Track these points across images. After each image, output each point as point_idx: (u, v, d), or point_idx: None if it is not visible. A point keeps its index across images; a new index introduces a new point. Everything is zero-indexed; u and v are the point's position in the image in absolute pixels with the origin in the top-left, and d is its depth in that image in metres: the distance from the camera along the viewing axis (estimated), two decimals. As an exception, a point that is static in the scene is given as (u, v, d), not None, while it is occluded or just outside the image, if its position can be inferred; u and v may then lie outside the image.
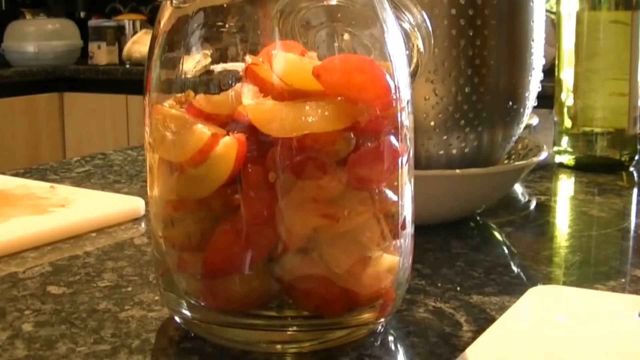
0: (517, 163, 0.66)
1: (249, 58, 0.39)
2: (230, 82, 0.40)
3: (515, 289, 0.49)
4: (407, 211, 0.42)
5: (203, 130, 0.38)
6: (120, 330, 0.43)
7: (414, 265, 0.46)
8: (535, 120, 1.05)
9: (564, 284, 0.51)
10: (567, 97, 0.86)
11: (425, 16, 0.44)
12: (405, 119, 0.40)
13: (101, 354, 0.40)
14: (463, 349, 0.40)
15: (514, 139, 0.67)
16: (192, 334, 0.42)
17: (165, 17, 0.41)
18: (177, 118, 0.39)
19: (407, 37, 0.43)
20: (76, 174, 0.85)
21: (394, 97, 0.39)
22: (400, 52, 0.41)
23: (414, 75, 0.44)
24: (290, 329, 0.39)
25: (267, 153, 0.37)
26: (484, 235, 0.63)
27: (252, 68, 0.38)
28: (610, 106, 0.84)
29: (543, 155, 0.65)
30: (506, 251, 0.60)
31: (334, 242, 0.38)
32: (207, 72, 0.40)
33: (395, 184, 0.40)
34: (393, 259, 0.41)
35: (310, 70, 0.37)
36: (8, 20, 3.15)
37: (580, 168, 0.85)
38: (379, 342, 0.41)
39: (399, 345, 0.42)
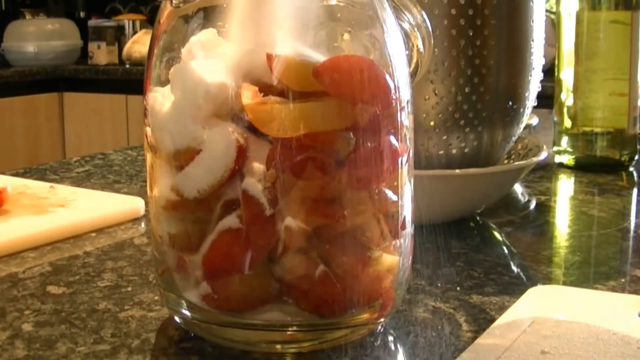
0: (517, 163, 0.66)
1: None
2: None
3: (515, 289, 0.49)
4: (407, 211, 0.42)
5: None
6: (120, 330, 0.43)
7: (414, 265, 0.46)
8: (535, 120, 1.05)
9: (564, 284, 0.51)
10: (567, 97, 0.86)
11: (425, 16, 0.44)
12: (405, 119, 0.40)
13: (101, 354, 0.40)
14: (463, 349, 0.40)
15: (513, 139, 0.67)
16: (192, 334, 0.42)
17: (165, 17, 0.41)
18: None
19: (407, 37, 0.43)
20: (76, 174, 0.85)
21: (394, 97, 0.39)
22: (400, 52, 0.41)
23: (414, 75, 0.44)
24: (290, 329, 0.39)
25: (267, 153, 0.37)
26: (484, 235, 0.63)
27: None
28: (610, 106, 0.84)
29: (543, 155, 0.65)
30: (506, 251, 0.60)
31: (334, 242, 0.38)
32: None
33: (395, 184, 0.40)
34: (393, 259, 0.41)
35: (310, 70, 0.37)
36: (8, 20, 3.15)
37: (580, 168, 0.85)
38: (379, 342, 0.41)
39: (399, 345, 0.42)
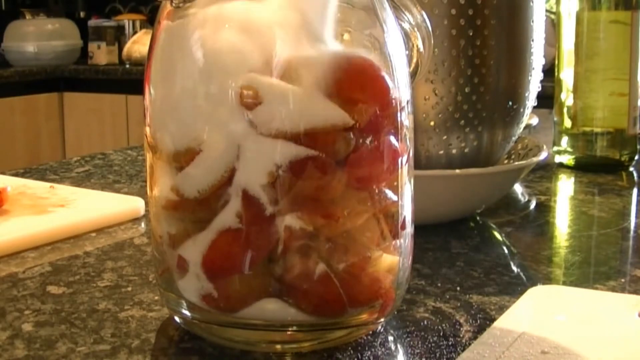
0: (517, 163, 0.66)
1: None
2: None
3: (515, 289, 0.49)
4: (407, 211, 0.42)
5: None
6: (120, 330, 0.43)
7: (414, 265, 0.46)
8: (535, 120, 1.05)
9: (564, 284, 0.51)
10: (567, 97, 0.86)
11: (425, 16, 0.44)
12: (405, 118, 0.40)
13: (101, 354, 0.40)
14: (463, 349, 0.40)
15: (514, 139, 0.67)
16: (192, 334, 0.42)
17: (165, 17, 0.41)
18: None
19: (407, 37, 0.43)
20: (76, 174, 0.85)
21: (394, 97, 0.39)
22: (400, 52, 0.41)
23: (414, 75, 0.44)
24: (290, 329, 0.39)
25: (267, 153, 0.37)
26: (484, 235, 0.63)
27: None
28: (610, 106, 0.84)
29: (543, 155, 0.65)
30: (506, 251, 0.60)
31: (334, 242, 0.38)
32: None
33: (395, 184, 0.40)
34: (393, 259, 0.41)
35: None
36: (8, 20, 3.15)
37: (580, 168, 0.85)
38: (379, 342, 0.41)
39: (399, 345, 0.42)
